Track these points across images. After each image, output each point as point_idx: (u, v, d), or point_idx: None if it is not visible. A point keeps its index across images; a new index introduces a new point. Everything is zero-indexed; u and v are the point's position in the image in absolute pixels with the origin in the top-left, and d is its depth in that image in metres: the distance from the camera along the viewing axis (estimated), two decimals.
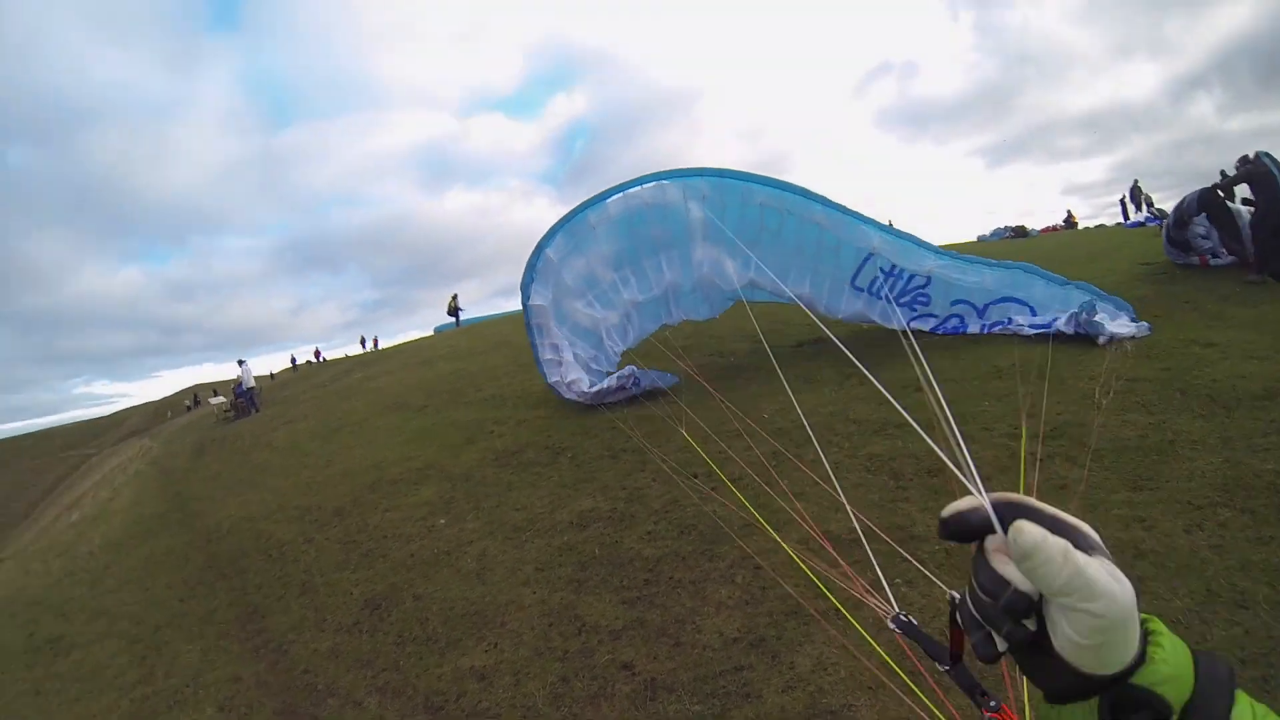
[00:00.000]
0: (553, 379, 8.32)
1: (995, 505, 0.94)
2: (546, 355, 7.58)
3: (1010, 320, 9.49)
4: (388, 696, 6.13)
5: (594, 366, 8.49)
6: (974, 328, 9.70)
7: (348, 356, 49.74)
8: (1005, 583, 0.91)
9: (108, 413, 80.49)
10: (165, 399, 63.16)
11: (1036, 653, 0.96)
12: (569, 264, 6.69)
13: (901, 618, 2.28)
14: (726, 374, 12.25)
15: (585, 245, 6.68)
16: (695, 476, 8.36)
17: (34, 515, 33.88)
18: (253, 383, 29.16)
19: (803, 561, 4.42)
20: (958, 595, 1.10)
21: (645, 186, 6.48)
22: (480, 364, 19.71)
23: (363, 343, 56.90)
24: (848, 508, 4.62)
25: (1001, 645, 0.96)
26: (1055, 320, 9.45)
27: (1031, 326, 9.58)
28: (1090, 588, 0.85)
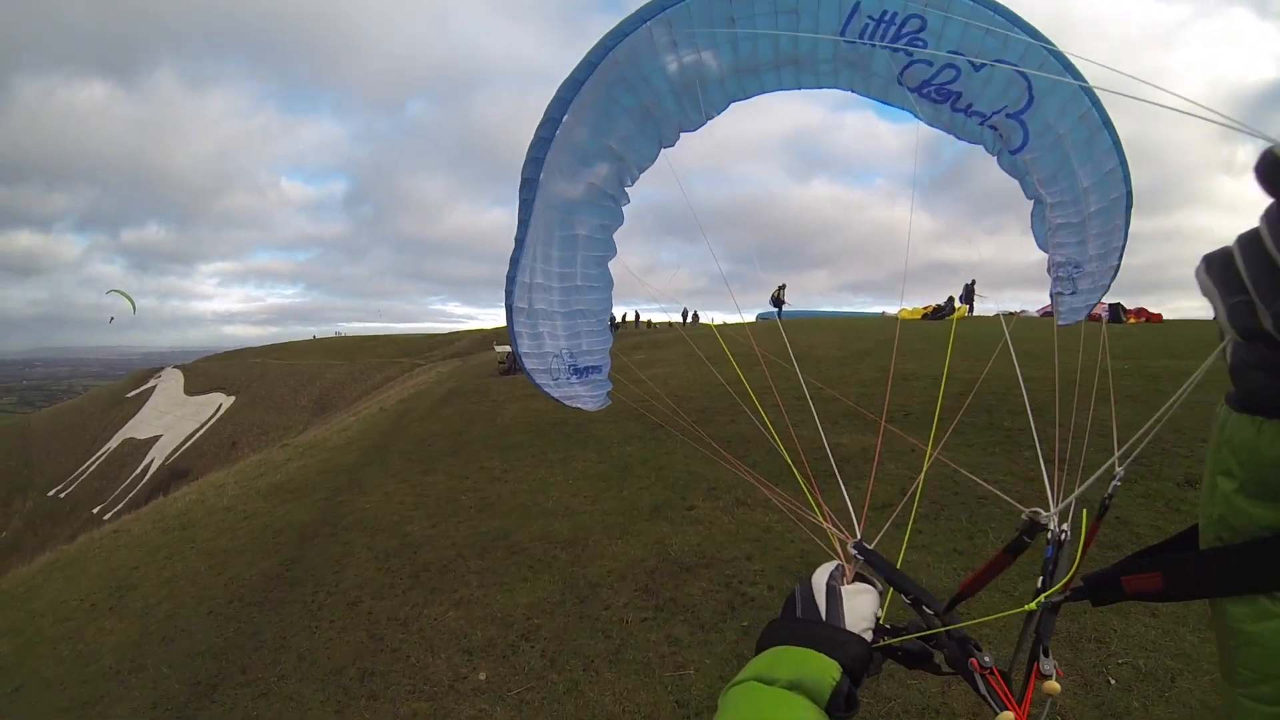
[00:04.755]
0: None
1: None
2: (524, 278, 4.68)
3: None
4: None
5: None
6: (969, 94, 5.12)
7: (670, 325, 49.87)
8: None
9: (447, 330, 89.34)
10: (499, 328, 68.25)
11: None
12: (559, 159, 4.47)
13: (864, 545, 2.39)
14: None
15: (567, 126, 4.38)
16: None
17: (351, 408, 37.12)
18: None
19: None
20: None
21: (614, 50, 4.30)
22: (758, 379, 16.56)
23: (684, 315, 54.89)
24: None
25: (1269, 321, 0.98)
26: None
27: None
28: None
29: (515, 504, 10.93)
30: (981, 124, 4.92)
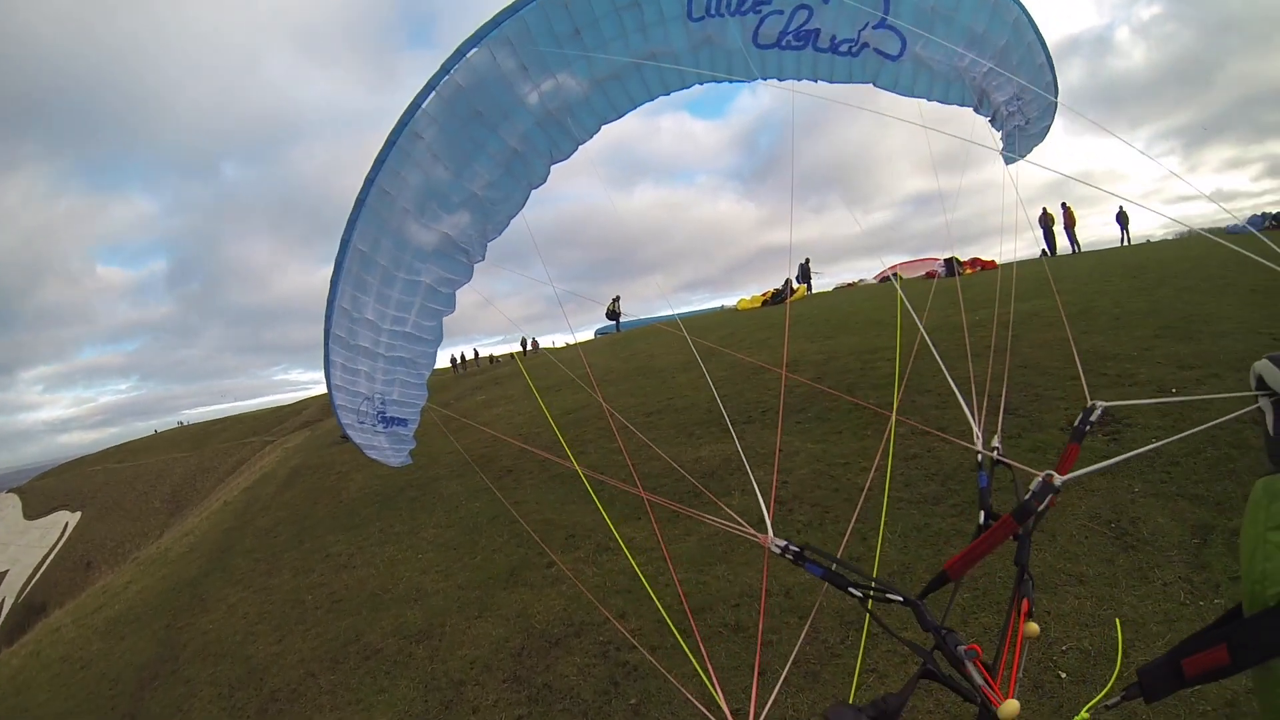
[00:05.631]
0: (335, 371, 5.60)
1: None
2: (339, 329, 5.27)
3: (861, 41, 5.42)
4: None
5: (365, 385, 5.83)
6: (828, 27, 5.48)
7: (512, 357, 48.58)
8: None
9: (294, 399, 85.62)
10: None
11: None
12: (405, 186, 4.91)
13: (791, 547, 2.32)
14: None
15: (415, 157, 4.85)
16: None
17: (205, 502, 34.75)
18: None
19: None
20: (1100, 404, 2.04)
21: (453, 71, 4.63)
22: (593, 403, 16.46)
23: (523, 344, 53.24)
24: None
25: None
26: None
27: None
28: None
29: (364, 595, 9.97)
30: (850, 51, 5.07)
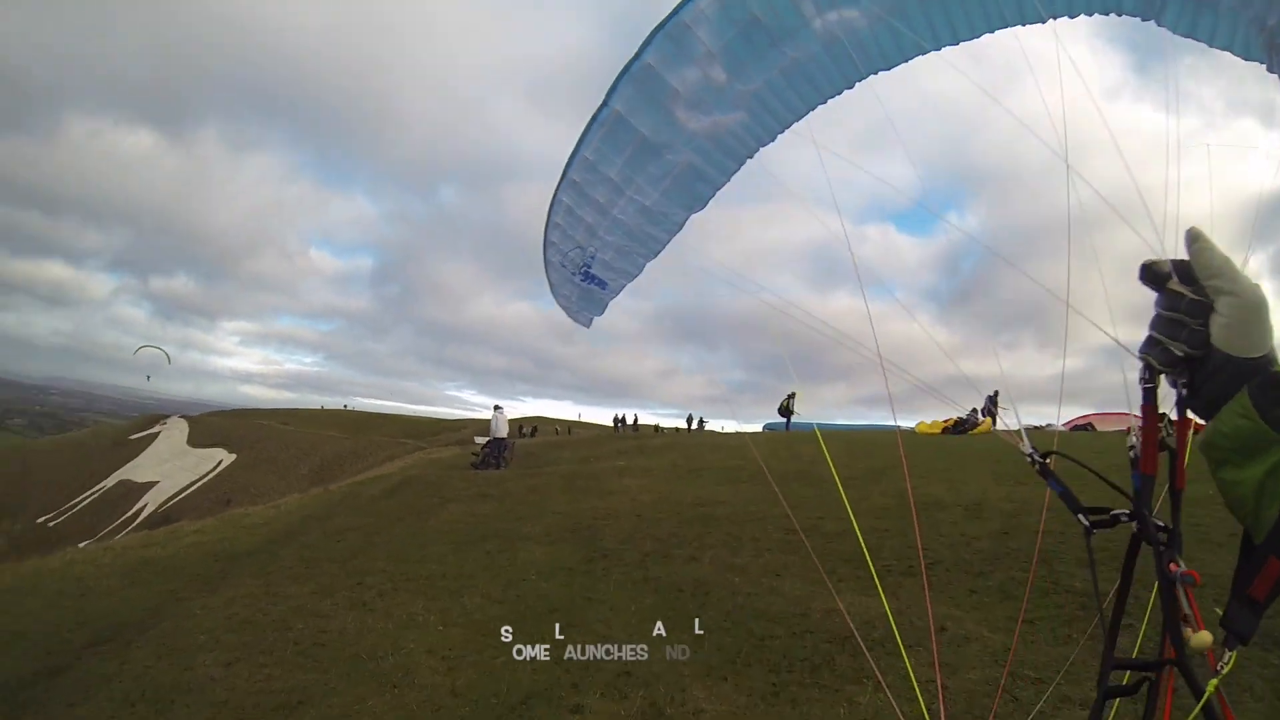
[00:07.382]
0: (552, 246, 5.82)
1: (1175, 262, 1.57)
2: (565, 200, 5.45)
3: None
4: None
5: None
6: None
7: (676, 430, 50.17)
8: (1181, 295, 1.51)
9: (458, 416, 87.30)
10: (510, 420, 66.09)
11: (1200, 367, 1.54)
12: (676, 72, 4.71)
13: (1037, 457, 2.55)
14: None
15: (690, 49, 4.68)
16: None
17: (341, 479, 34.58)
18: (503, 433, 27.21)
19: None
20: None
21: None
22: (734, 499, 14.43)
23: (689, 421, 55.78)
24: None
25: (1179, 350, 1.55)
26: None
27: None
28: (1234, 272, 1.43)
29: (350, 652, 7.54)
30: None
